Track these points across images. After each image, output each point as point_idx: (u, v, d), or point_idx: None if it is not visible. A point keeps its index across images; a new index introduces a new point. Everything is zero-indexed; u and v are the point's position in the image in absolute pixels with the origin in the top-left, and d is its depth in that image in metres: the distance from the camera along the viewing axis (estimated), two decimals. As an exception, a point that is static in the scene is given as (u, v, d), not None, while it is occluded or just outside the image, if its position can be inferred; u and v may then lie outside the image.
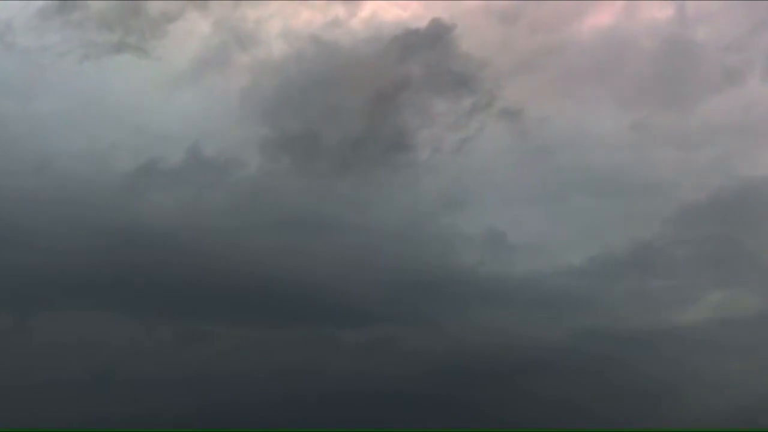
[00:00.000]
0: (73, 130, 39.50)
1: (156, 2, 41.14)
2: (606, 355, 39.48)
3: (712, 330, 39.90)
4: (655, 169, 42.85)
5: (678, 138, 43.39)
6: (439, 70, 43.05)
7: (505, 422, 37.36)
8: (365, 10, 44.33)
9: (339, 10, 43.66)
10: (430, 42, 42.91)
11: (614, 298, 40.97)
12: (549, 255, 41.42)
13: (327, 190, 40.56)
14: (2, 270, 37.14)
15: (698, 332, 39.89)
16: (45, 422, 35.22)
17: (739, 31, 44.72)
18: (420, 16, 43.76)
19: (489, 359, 38.75)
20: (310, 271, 38.89)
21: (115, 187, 38.99)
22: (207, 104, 41.05)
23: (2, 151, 39.02)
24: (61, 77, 40.01)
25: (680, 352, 39.57)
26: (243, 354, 39.05)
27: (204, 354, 39.02)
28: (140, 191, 39.31)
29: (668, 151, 43.35)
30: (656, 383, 39.09)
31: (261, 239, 39.01)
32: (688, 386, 39.16)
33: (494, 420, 37.41)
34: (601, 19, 45.90)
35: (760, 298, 40.31)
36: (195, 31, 41.98)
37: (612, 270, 41.23)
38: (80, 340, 37.99)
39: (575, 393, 38.75)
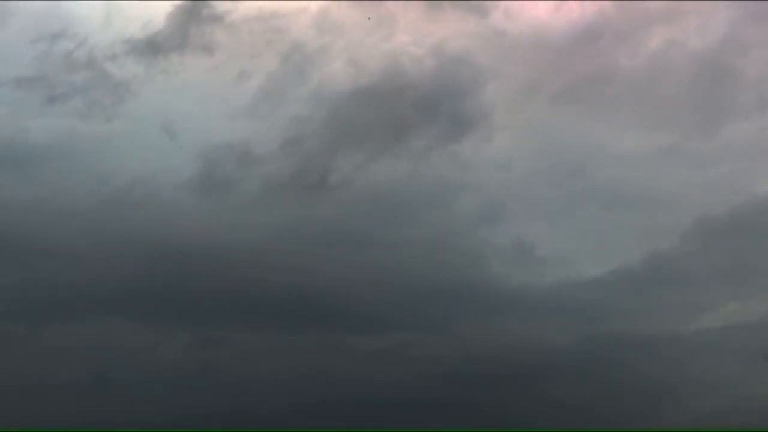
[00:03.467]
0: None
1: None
2: (617, 360, 42.46)
3: (716, 334, 42.89)
4: (678, 188, 45.93)
5: (702, 158, 46.55)
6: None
7: (508, 423, 40.36)
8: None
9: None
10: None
11: (631, 307, 44.02)
12: (573, 267, 44.94)
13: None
14: (36, 280, 41.66)
15: (703, 337, 42.90)
16: (61, 421, 38.16)
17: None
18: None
19: (503, 364, 42.04)
20: (333, 280, 42.55)
21: (142, 204, 43.75)
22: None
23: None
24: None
25: (685, 356, 42.50)
26: (257, 359, 41.94)
27: (219, 359, 41.91)
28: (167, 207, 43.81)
29: (692, 171, 46.49)
30: (660, 385, 41.93)
31: (278, 249, 42.85)
32: (690, 388, 41.84)
33: (500, 421, 40.36)
34: (646, 47, 49.85)
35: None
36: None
37: (631, 281, 44.46)
38: (101, 345, 41.35)
39: (585, 396, 41.76)
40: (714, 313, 43.89)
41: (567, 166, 47.30)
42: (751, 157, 46.15)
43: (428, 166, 46.76)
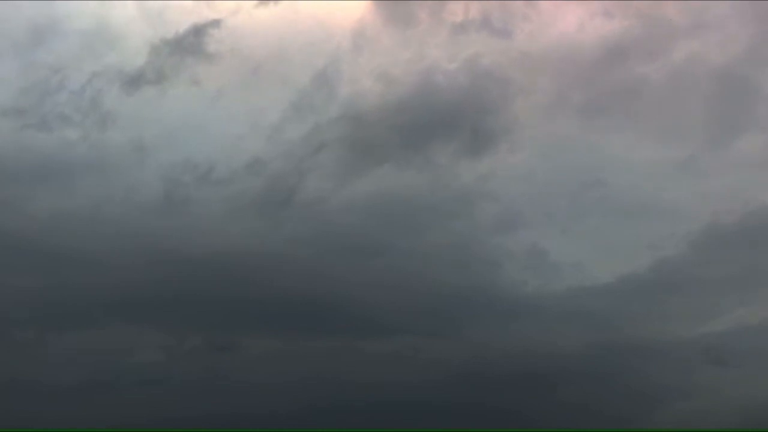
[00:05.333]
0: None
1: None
2: (625, 364, 44.24)
3: (718, 337, 44.33)
4: (689, 197, 47.30)
5: (714, 169, 47.84)
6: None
7: (517, 424, 42.08)
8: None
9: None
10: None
11: (641, 312, 45.80)
12: (585, 273, 46.60)
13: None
14: (57, 287, 43.60)
15: (707, 340, 44.41)
16: (67, 423, 39.90)
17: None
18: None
19: (515, 368, 43.98)
20: (345, 285, 44.57)
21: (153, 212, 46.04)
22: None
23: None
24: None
25: (690, 360, 44.14)
26: (266, 363, 43.47)
27: (228, 363, 43.30)
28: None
29: (703, 181, 47.69)
30: (664, 388, 43.73)
31: (288, 255, 44.87)
32: (692, 390, 43.60)
33: (508, 422, 42.09)
34: (669, 61, 51.23)
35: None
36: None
37: (640, 287, 46.11)
38: (109, 349, 43.19)
39: (590, 398, 43.53)
40: (721, 318, 45.38)
41: (583, 177, 48.98)
42: (762, 168, 47.49)
43: (451, 177, 48.99)
